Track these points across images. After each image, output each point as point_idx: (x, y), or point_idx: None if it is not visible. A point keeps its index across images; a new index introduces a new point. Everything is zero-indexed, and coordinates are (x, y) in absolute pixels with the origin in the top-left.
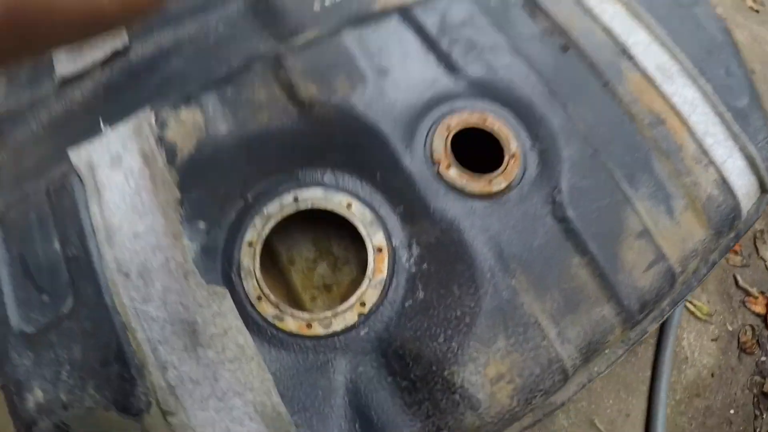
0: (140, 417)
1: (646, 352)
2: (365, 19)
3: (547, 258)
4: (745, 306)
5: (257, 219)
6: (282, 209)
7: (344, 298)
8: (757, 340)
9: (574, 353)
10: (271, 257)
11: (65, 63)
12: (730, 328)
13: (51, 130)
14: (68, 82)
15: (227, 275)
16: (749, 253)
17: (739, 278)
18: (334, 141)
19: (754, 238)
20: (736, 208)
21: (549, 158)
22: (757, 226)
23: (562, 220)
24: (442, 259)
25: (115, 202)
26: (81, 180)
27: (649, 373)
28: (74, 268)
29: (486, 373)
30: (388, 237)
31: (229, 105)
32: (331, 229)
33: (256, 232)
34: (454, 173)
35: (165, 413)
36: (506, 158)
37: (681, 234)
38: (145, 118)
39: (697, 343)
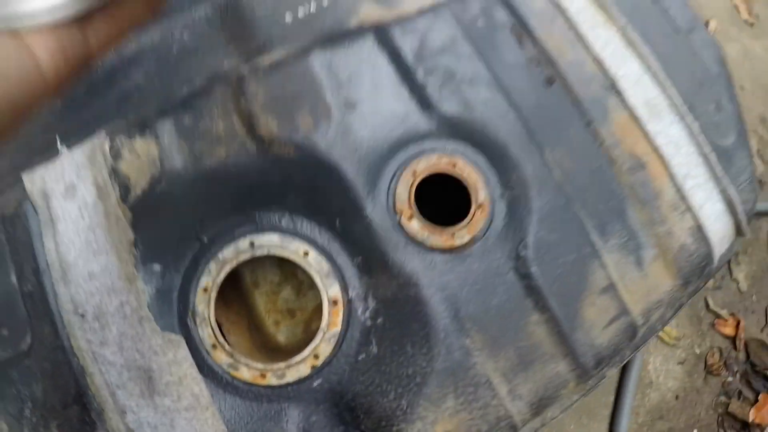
0: None
1: (610, 378)
2: (338, 38)
3: (505, 316)
4: (714, 328)
5: (212, 264)
6: (237, 255)
7: (308, 324)
8: (725, 362)
9: (525, 409)
10: (233, 277)
11: None
12: (697, 351)
13: (8, 146)
14: None
15: (183, 320)
16: (722, 275)
17: (710, 301)
18: (294, 182)
19: (728, 260)
20: (708, 255)
21: (518, 209)
22: None
23: (525, 276)
24: (397, 315)
25: (69, 237)
26: (35, 209)
27: (612, 398)
28: (30, 304)
29: (434, 431)
30: (345, 289)
31: (186, 136)
32: None
33: (211, 277)
34: (415, 225)
35: None
36: (473, 208)
37: (647, 286)
38: (100, 144)
39: (663, 368)
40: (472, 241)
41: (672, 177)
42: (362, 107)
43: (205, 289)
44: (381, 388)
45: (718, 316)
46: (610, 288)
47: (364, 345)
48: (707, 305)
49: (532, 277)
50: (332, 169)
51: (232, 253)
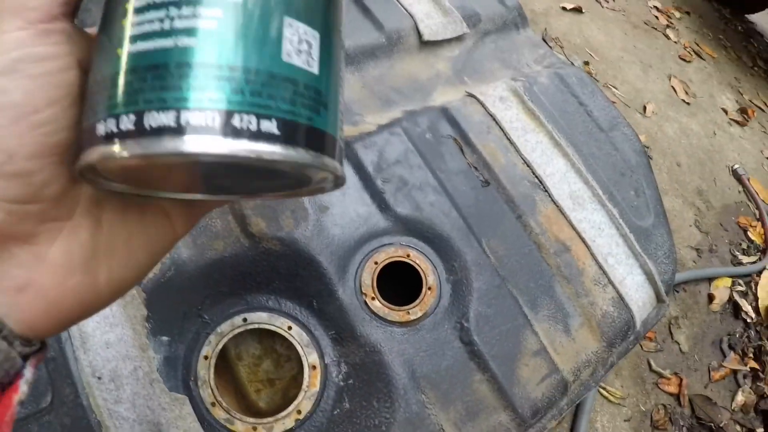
0: None
1: None
2: None
3: (453, 376)
4: (659, 387)
5: (212, 336)
6: (233, 328)
7: (286, 391)
8: (670, 418)
9: None
10: (220, 352)
11: None
12: (643, 409)
13: None
14: None
15: (186, 383)
16: (663, 338)
17: (652, 362)
18: (279, 270)
19: (669, 324)
20: (630, 321)
21: (461, 289)
22: (673, 312)
23: (468, 343)
24: (365, 377)
25: None
26: None
27: None
28: (52, 368)
29: None
30: (321, 356)
31: (191, 233)
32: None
33: (211, 347)
34: (377, 305)
35: None
36: (423, 290)
37: (575, 348)
38: None
39: (610, 425)
40: (424, 316)
41: (594, 256)
42: (333, 210)
43: (206, 357)
44: None
45: (661, 375)
46: (542, 351)
47: (339, 402)
48: (650, 366)
49: (474, 343)
50: (310, 260)
51: (228, 327)
